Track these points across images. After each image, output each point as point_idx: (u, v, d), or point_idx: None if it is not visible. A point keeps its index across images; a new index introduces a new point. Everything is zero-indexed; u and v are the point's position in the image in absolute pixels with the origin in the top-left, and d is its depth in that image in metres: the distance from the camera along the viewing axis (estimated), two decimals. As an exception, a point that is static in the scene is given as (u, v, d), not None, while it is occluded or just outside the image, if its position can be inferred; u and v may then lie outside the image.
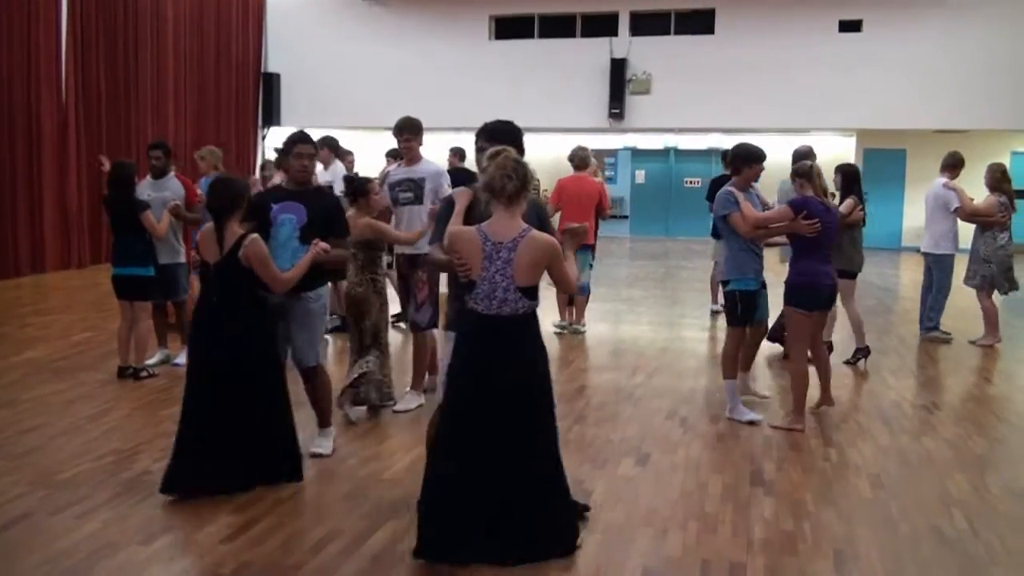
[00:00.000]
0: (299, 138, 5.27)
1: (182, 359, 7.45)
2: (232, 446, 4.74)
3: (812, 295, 6.17)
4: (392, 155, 10.54)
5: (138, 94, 16.53)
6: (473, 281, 3.96)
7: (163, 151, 7.82)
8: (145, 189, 7.63)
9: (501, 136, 4.39)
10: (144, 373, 7.28)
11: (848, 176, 8.04)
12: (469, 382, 3.99)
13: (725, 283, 6.51)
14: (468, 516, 3.92)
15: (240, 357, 4.77)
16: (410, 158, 6.68)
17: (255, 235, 4.80)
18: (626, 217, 22.10)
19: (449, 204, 4.44)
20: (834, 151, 19.98)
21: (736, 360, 6.48)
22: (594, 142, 22.37)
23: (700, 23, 19.51)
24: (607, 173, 19.58)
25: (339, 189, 7.88)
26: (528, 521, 3.99)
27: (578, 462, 5.34)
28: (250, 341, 4.81)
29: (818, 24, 18.65)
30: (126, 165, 7.51)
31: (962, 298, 10.11)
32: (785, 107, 18.56)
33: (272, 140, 20.94)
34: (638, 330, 10.15)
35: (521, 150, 4.38)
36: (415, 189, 6.61)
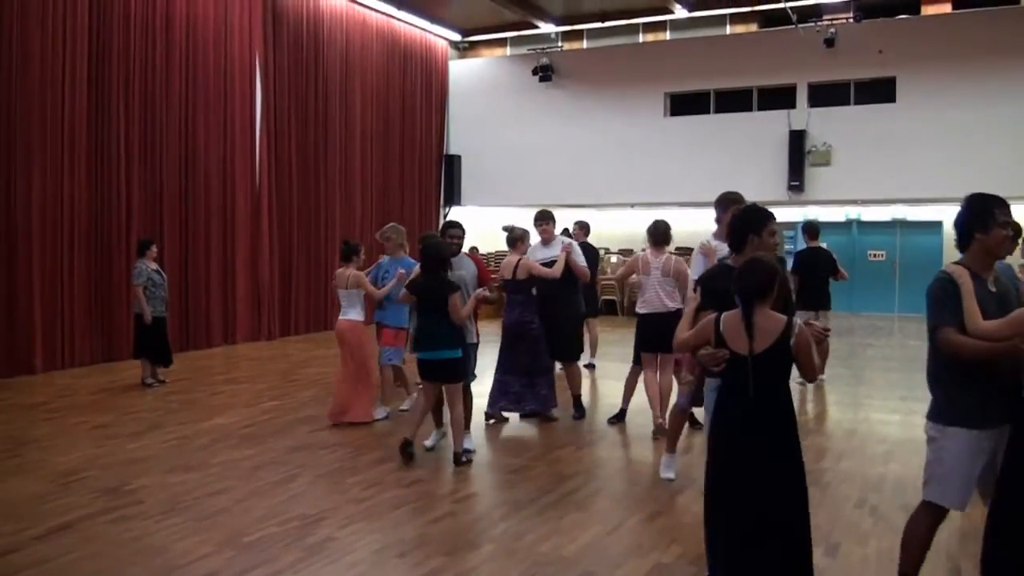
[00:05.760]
0: (771, 217, 5.13)
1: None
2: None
3: None
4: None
5: (327, 173, 17.43)
6: None
7: (462, 231, 7.67)
8: None
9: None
10: (465, 459, 6.98)
11: None
12: None
13: None
14: None
15: None
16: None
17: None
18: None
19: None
20: (1030, 221, 18.71)
21: None
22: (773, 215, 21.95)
23: (880, 92, 18.76)
24: (787, 247, 18.90)
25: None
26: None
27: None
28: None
29: (1004, 86, 17.59)
30: (444, 246, 7.23)
31: None
32: (972, 174, 17.32)
33: (454, 217, 21.52)
34: (822, 410, 9.71)
35: None
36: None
